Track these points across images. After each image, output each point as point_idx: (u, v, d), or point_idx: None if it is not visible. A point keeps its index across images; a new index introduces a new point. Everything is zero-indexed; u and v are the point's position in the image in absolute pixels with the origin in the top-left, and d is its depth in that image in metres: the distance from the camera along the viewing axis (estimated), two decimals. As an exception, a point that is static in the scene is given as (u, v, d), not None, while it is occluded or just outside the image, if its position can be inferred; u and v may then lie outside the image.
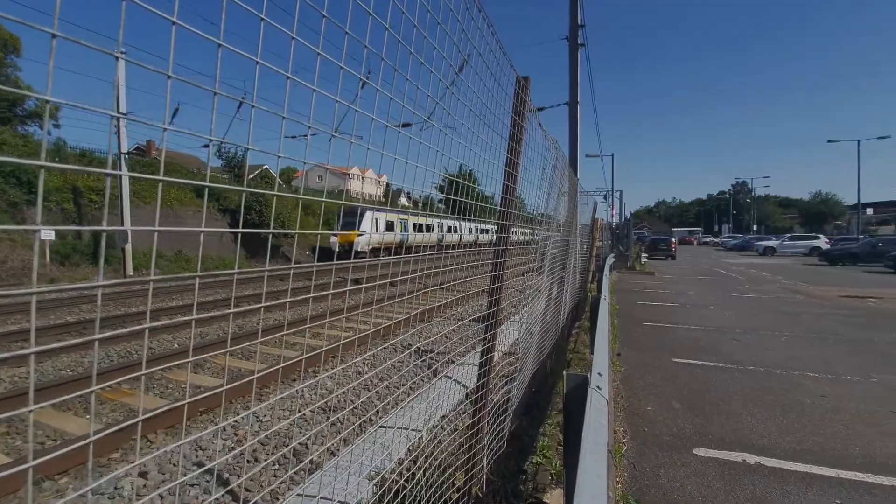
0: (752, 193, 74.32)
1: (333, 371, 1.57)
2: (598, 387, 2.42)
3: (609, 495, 2.99)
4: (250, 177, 32.61)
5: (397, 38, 1.37)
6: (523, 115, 2.11)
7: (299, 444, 3.66)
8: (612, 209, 31.63)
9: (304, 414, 4.37)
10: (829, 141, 38.73)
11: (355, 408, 4.70)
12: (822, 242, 34.17)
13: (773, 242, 37.76)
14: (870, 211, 68.23)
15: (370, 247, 21.64)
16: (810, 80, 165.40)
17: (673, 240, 34.94)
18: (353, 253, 2.21)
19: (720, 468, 3.37)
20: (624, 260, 21.01)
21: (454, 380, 5.51)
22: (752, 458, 3.50)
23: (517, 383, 3.26)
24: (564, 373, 2.60)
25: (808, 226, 70.54)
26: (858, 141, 39.82)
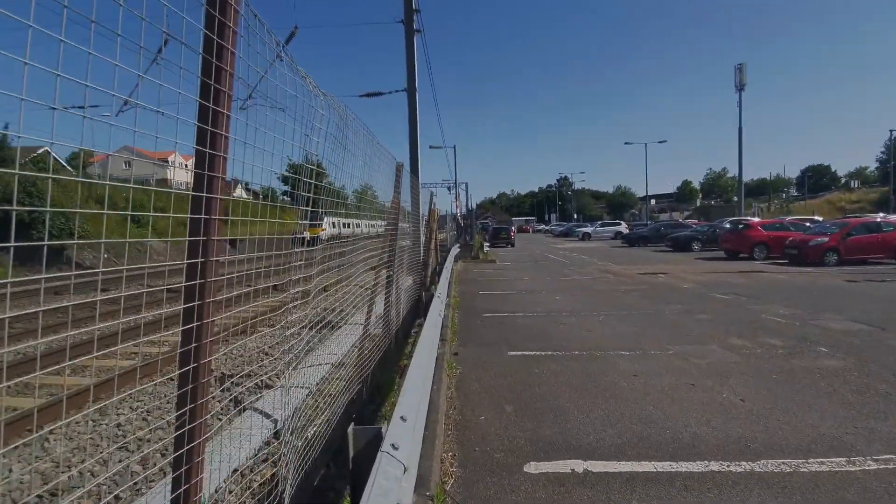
0: (573, 187, 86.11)
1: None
2: (392, 446, 1.70)
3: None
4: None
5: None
6: (231, 31, 1.24)
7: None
8: (457, 200, 32.88)
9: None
10: (626, 143, 46.52)
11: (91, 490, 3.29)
12: (623, 228, 40.96)
13: (588, 229, 43.98)
14: (653, 202, 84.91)
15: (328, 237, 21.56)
16: (612, 86, 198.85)
17: (513, 229, 38.06)
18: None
19: (550, 486, 3.03)
20: (469, 250, 21.78)
21: (261, 412, 4.42)
22: (580, 466, 3.26)
23: (294, 425, 2.40)
24: (350, 429, 1.86)
25: (613, 214, 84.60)
26: (646, 144, 48.92)
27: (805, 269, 15.22)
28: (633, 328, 7.50)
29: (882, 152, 79.66)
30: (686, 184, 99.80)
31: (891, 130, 52.42)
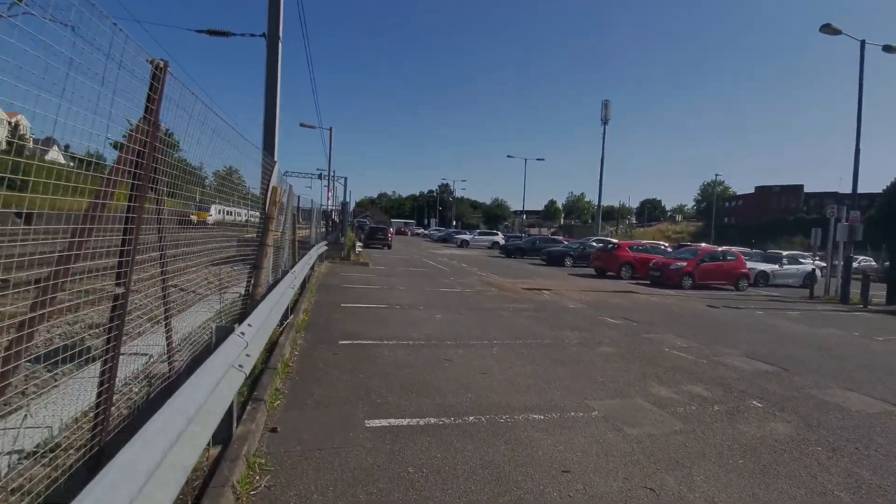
0: (454, 194, 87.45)
1: None
2: None
3: None
4: None
5: None
6: None
7: None
8: (329, 191, 29.50)
9: None
10: (509, 156, 47.80)
11: None
12: (500, 238, 41.58)
13: (467, 236, 43.92)
14: (524, 216, 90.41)
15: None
16: (497, 101, 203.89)
17: (390, 230, 35.84)
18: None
19: None
20: (339, 249, 18.91)
21: None
22: None
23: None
24: None
25: (489, 224, 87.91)
26: (525, 160, 51.02)
27: (667, 291, 15.74)
28: (537, 367, 5.77)
29: (699, 194, 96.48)
30: (552, 203, 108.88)
31: (716, 175, 62.90)
